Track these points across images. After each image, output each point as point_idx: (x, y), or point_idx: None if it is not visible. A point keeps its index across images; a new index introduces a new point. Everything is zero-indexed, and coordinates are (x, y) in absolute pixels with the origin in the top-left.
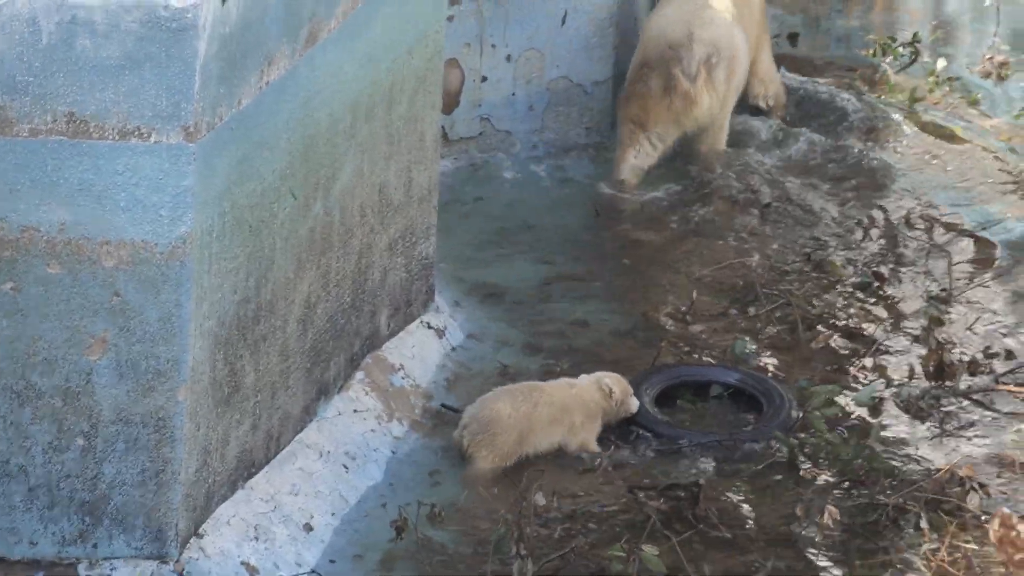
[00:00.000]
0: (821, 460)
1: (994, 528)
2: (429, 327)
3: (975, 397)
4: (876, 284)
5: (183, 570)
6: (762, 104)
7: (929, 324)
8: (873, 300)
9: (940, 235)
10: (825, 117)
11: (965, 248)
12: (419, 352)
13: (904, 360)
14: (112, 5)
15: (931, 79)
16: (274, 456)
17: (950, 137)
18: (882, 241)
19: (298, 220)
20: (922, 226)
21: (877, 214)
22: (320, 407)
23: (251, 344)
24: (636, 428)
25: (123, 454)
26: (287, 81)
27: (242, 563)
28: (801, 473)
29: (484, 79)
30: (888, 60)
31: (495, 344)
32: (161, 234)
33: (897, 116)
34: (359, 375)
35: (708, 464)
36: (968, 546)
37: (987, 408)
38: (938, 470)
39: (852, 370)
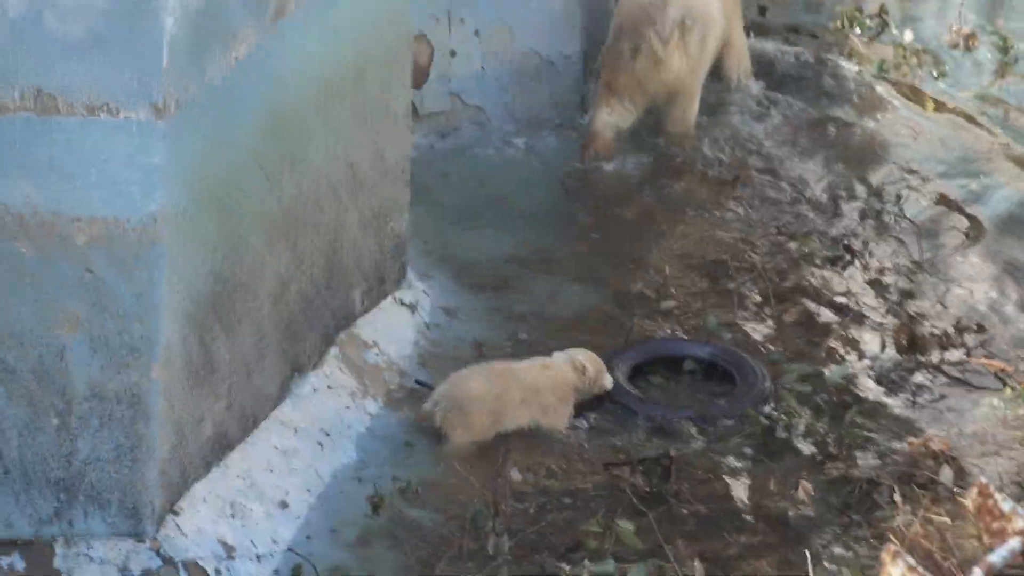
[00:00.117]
0: (794, 435)
1: (972, 497)
2: (402, 303)
3: (947, 370)
4: (848, 257)
5: (159, 547)
6: (734, 78)
7: (900, 298)
8: (846, 273)
9: (921, 206)
10: (803, 86)
11: (945, 220)
12: (393, 329)
13: (876, 334)
14: None
15: (898, 50)
16: (249, 433)
17: (923, 106)
18: (856, 213)
19: (269, 197)
20: (896, 197)
21: (854, 185)
22: (294, 384)
23: (224, 322)
24: (610, 404)
25: (97, 430)
26: (255, 57)
27: (218, 540)
28: (774, 447)
29: (453, 53)
30: (856, 32)
31: (468, 320)
32: (132, 211)
33: (881, 88)
34: (333, 352)
35: (682, 439)
36: (941, 519)
37: (959, 381)
38: (911, 443)
39: (824, 343)
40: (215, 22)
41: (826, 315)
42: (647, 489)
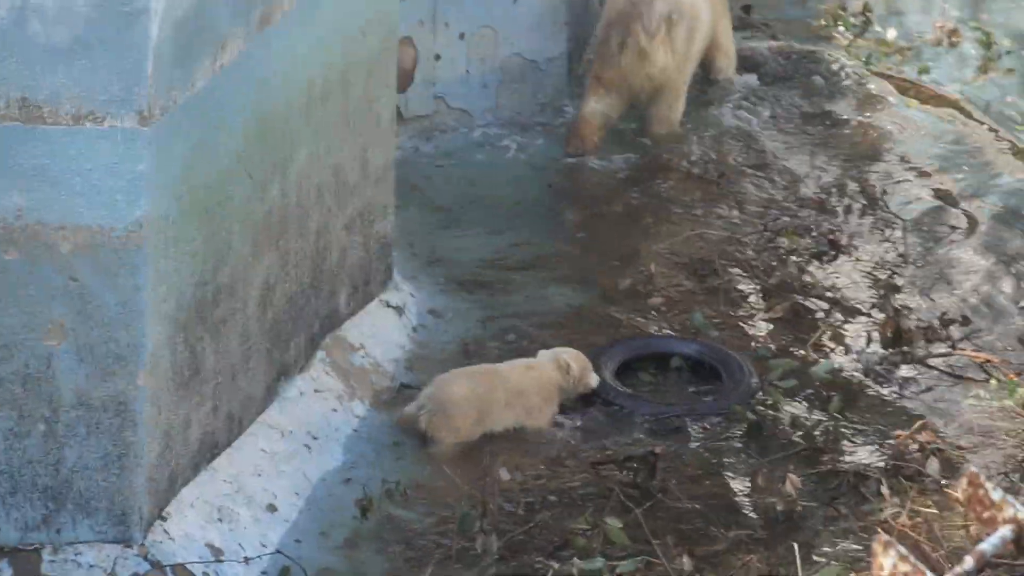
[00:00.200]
0: (781, 429)
1: (963, 487)
2: (388, 305)
3: (933, 363)
4: (833, 252)
5: (148, 553)
6: (721, 76)
7: (886, 291)
8: (833, 268)
9: (912, 199)
10: (791, 82)
11: (936, 212)
12: (379, 331)
13: (862, 327)
14: None
15: (882, 47)
16: (236, 438)
17: (914, 100)
18: (844, 207)
19: (255, 202)
20: (882, 192)
21: (843, 179)
22: (281, 388)
23: (211, 327)
24: (598, 401)
25: (85, 439)
26: (241, 63)
27: (206, 545)
28: (762, 443)
29: (438, 57)
30: (840, 30)
31: (455, 321)
32: (118, 218)
33: (870, 82)
34: (320, 355)
35: (669, 435)
36: (929, 510)
37: (945, 373)
38: (898, 436)
39: (811, 338)
40: (201, 29)
41: (813, 310)
42: (635, 486)
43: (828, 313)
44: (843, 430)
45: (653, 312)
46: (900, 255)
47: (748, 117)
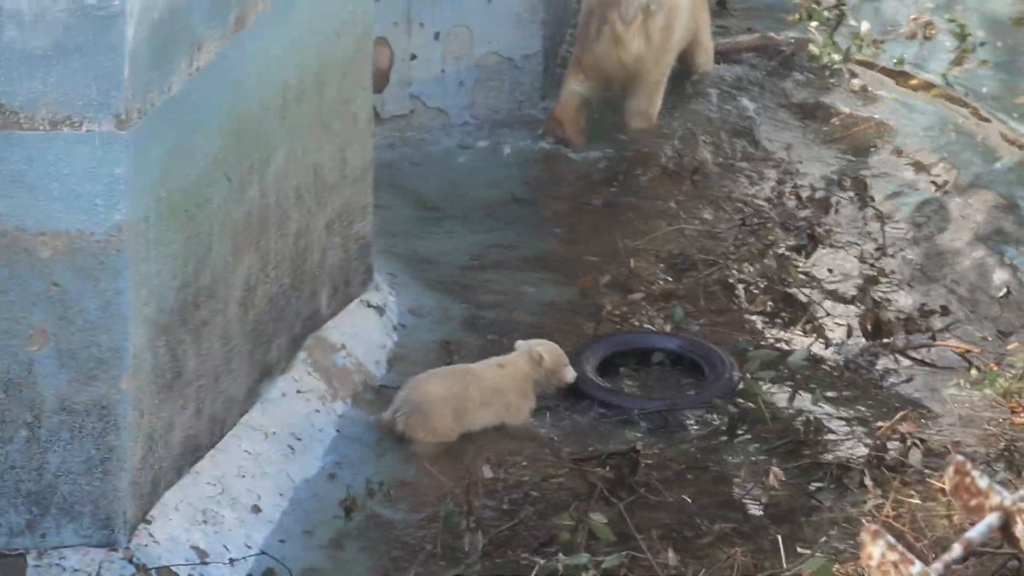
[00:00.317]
0: (763, 422)
1: (949, 476)
2: (369, 305)
3: (913, 354)
4: (811, 245)
5: (132, 556)
6: (699, 72)
7: (865, 283)
8: (811, 262)
9: (897, 188)
10: (771, 74)
11: (921, 202)
12: (360, 331)
13: (842, 320)
14: None
15: (856, 41)
16: (219, 440)
17: (897, 87)
18: (826, 199)
19: (234, 204)
20: (864, 185)
21: (826, 170)
22: (264, 389)
23: (192, 329)
24: (579, 397)
25: (68, 443)
26: (217, 65)
27: (191, 547)
28: (744, 436)
29: (413, 57)
30: (814, 24)
31: (435, 319)
32: (97, 223)
33: (851, 72)
34: (301, 356)
35: (651, 430)
36: (912, 501)
37: (925, 364)
38: (880, 428)
39: (790, 332)
40: (177, 31)
41: (792, 303)
42: (617, 481)
43: (808, 305)
44: (825, 422)
45: (633, 307)
46: (879, 248)
47: (728, 110)
